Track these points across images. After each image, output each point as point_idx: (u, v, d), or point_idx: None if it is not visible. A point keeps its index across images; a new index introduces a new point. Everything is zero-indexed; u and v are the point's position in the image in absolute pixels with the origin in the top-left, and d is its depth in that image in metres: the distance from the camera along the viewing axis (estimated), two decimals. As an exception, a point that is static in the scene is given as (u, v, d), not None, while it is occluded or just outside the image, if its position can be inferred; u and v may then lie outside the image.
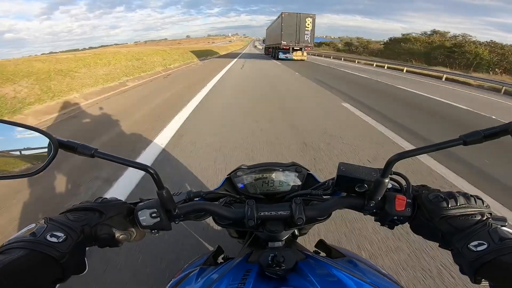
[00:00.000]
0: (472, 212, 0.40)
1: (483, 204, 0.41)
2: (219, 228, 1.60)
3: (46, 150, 0.40)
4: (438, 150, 0.38)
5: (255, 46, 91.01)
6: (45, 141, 0.40)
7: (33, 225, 0.39)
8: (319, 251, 0.69)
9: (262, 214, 0.48)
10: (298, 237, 0.78)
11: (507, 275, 0.32)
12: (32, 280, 0.33)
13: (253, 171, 0.58)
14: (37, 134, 0.41)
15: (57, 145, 0.39)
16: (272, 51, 24.80)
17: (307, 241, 1.43)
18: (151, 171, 0.42)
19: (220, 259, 0.66)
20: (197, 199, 0.53)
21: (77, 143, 0.40)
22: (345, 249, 0.65)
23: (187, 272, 0.56)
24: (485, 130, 0.37)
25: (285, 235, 0.55)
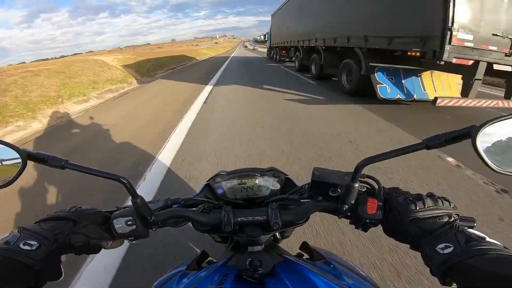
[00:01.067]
0: (440, 214, 0.41)
1: (450, 205, 0.43)
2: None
3: (14, 162, 0.40)
4: (403, 154, 0.40)
5: (245, 47, 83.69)
6: (14, 154, 0.40)
7: (7, 234, 0.39)
8: (303, 253, 0.70)
9: (239, 219, 0.49)
10: (282, 240, 0.79)
11: (472, 278, 0.33)
12: (5, 286, 0.34)
13: (232, 177, 0.58)
14: (4, 147, 0.40)
15: (26, 157, 0.40)
16: (303, 58, 9.95)
17: (296, 243, 1.44)
18: (124, 181, 0.43)
19: (204, 264, 0.66)
20: (176, 206, 0.53)
21: (47, 154, 0.41)
22: (327, 250, 0.66)
23: (169, 276, 0.57)
24: (447, 134, 0.38)
25: (264, 239, 0.55)
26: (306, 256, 0.68)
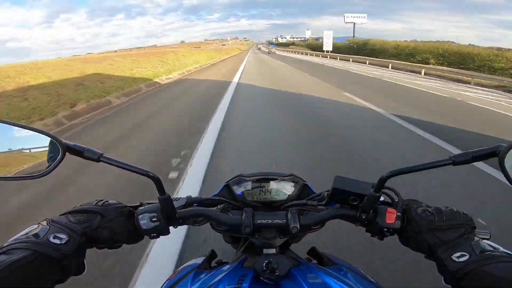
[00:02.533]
0: (457, 226, 0.42)
1: (467, 218, 0.44)
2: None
3: (47, 151, 0.42)
4: (429, 168, 0.41)
5: (259, 49, 74.87)
6: (47, 143, 0.42)
7: (35, 226, 0.39)
8: (311, 258, 0.71)
9: (258, 221, 0.50)
10: (291, 245, 0.79)
11: (486, 285, 0.34)
12: (33, 281, 0.34)
13: (251, 180, 0.59)
14: (43, 137, 0.42)
15: (65, 149, 0.41)
16: None
17: (299, 248, 1.44)
18: (154, 177, 0.43)
19: (213, 263, 0.67)
20: (196, 204, 0.54)
21: (84, 147, 0.42)
22: (337, 257, 0.67)
23: (182, 275, 0.57)
24: (474, 152, 0.39)
25: (279, 242, 0.56)
26: (314, 261, 0.68)
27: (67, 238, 0.38)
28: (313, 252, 0.71)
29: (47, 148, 0.42)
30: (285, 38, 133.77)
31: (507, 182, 0.38)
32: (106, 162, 0.42)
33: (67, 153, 0.42)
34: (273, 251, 0.56)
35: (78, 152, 0.41)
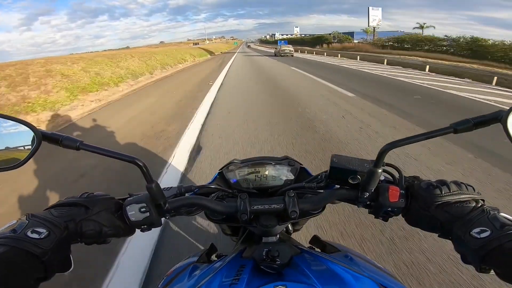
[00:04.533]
0: (467, 199, 0.40)
1: (475, 191, 0.42)
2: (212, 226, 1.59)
3: (29, 142, 0.39)
4: (429, 138, 0.39)
5: (249, 46, 73.13)
6: (28, 133, 0.39)
7: (14, 221, 0.37)
8: (314, 247, 0.69)
9: (255, 207, 0.47)
10: (292, 234, 0.77)
11: None
12: (12, 278, 0.31)
13: (245, 166, 0.57)
14: (21, 126, 0.39)
15: (41, 137, 0.38)
16: None
17: (300, 238, 1.43)
18: (140, 163, 0.41)
19: (213, 257, 0.65)
20: (189, 193, 0.52)
21: (62, 135, 0.39)
22: (340, 244, 0.65)
23: (180, 270, 0.55)
24: (475, 118, 0.37)
25: (279, 229, 0.54)
26: (317, 249, 0.67)
27: (47, 232, 0.36)
28: (315, 240, 0.69)
29: (23, 138, 0.39)
30: (274, 35, 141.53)
31: None
32: (87, 150, 0.39)
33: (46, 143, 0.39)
34: (273, 239, 0.54)
35: (55, 140, 0.39)
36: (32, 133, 0.38)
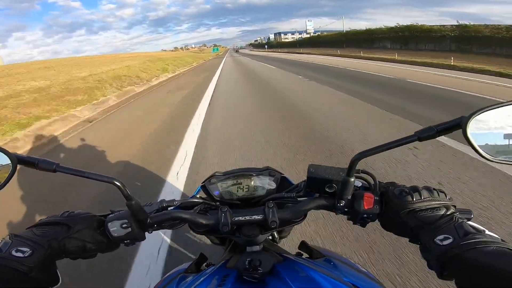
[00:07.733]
0: (437, 206, 0.41)
1: (446, 197, 0.42)
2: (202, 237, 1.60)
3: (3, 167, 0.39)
4: (397, 146, 0.40)
5: (237, 51, 76.15)
6: (3, 158, 0.39)
7: None
8: (302, 252, 0.70)
9: (236, 219, 0.48)
10: (280, 240, 0.78)
11: (470, 272, 0.32)
12: None
13: (227, 178, 0.58)
14: None
15: (16, 161, 0.38)
16: None
17: (294, 244, 1.44)
18: (117, 183, 0.41)
19: (203, 267, 0.65)
20: (171, 208, 0.52)
21: (38, 158, 0.40)
22: (326, 249, 0.66)
23: (168, 280, 0.56)
24: (438, 125, 0.38)
25: (262, 238, 0.55)
26: (305, 255, 0.68)
27: (30, 251, 0.37)
28: (303, 245, 0.70)
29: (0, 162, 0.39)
30: (257, 40, 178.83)
31: (476, 155, 0.37)
32: (63, 172, 0.40)
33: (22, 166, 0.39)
34: (257, 248, 0.55)
35: (31, 163, 0.39)
36: (6, 158, 0.38)
